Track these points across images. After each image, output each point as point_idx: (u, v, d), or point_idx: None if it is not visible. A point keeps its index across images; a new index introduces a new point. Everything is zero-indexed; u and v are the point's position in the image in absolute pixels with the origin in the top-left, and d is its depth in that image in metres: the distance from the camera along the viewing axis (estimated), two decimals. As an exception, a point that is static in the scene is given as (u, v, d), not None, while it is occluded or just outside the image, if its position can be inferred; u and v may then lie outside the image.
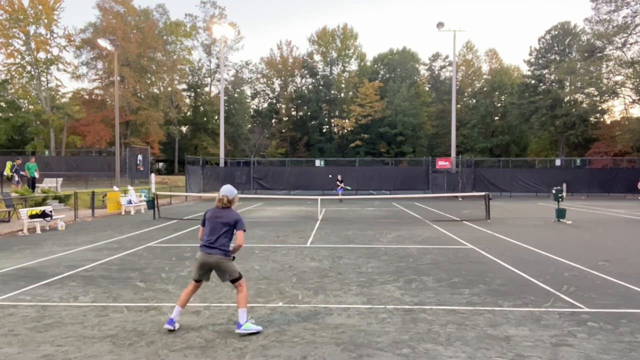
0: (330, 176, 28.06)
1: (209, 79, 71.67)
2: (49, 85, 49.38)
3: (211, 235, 4.99)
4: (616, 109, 58.64)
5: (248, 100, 73.43)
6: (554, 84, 57.23)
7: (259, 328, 4.96)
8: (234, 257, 5.05)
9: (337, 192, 26.98)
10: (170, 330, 4.94)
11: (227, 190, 5.15)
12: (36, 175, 21.11)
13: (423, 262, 8.94)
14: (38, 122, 48.50)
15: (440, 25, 37.12)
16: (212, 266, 5.00)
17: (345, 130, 69.72)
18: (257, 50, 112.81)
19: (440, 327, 5.11)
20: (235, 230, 5.03)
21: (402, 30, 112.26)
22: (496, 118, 69.10)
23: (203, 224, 5.16)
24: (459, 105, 64.90)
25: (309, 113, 72.46)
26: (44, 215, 13.79)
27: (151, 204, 18.96)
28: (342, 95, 72.62)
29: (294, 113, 75.60)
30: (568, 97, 54.35)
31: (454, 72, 39.71)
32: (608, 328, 5.10)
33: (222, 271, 4.98)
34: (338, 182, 27.39)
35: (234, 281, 4.99)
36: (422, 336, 4.84)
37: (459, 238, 12.13)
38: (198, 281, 5.13)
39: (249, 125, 70.19)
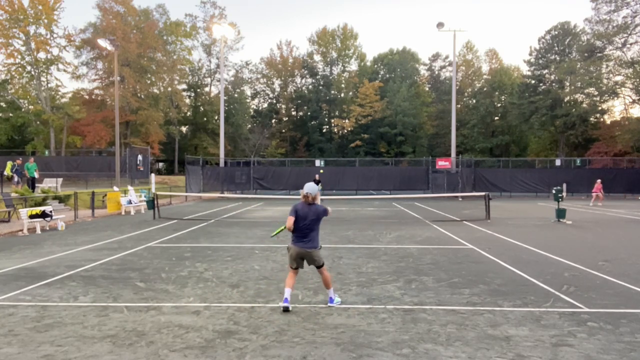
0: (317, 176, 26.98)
1: (209, 79, 71.72)
2: (49, 85, 49.44)
3: (305, 230, 5.78)
4: (616, 109, 58.69)
5: (248, 100, 73.40)
6: (554, 84, 57.23)
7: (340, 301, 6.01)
8: (321, 247, 5.95)
9: None
10: (286, 309, 5.65)
11: (310, 188, 5.87)
12: (36, 175, 21.11)
13: (423, 262, 8.94)
14: (38, 122, 48.49)
15: (440, 25, 37.12)
16: (306, 257, 5.84)
17: (345, 130, 69.72)
18: (257, 50, 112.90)
19: (440, 327, 5.11)
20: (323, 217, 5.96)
21: (402, 30, 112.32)
22: (496, 118, 69.07)
23: (293, 215, 5.80)
24: (459, 105, 64.87)
25: (309, 113, 72.44)
26: (44, 215, 13.79)
27: (151, 204, 18.96)
28: (342, 95, 72.63)
29: (294, 113, 75.58)
30: (568, 97, 54.34)
31: (454, 72, 39.72)
32: (608, 328, 5.10)
33: (314, 260, 5.84)
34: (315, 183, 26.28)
35: (319, 267, 5.89)
36: (422, 336, 4.83)
37: (459, 238, 12.13)
38: (296, 269, 5.92)
39: (249, 125, 70.16)
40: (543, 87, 58.16)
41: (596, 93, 51.71)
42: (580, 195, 32.80)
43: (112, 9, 53.17)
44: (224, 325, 5.20)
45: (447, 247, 10.68)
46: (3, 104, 50.98)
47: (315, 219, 5.80)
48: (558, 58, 56.59)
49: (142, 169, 33.74)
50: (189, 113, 69.32)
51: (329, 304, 5.84)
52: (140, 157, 33.79)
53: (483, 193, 19.03)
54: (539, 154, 60.17)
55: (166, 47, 59.68)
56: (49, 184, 23.75)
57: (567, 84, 54.99)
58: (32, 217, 13.52)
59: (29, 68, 47.28)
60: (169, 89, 60.20)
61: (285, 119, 74.64)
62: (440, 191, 31.55)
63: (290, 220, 5.75)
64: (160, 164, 68.86)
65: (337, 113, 72.29)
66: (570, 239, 12.07)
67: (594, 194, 25.94)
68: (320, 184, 25.92)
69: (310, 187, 5.85)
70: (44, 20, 45.94)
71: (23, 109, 49.63)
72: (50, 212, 14.25)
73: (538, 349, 4.49)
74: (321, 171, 26.71)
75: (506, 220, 16.96)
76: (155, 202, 17.78)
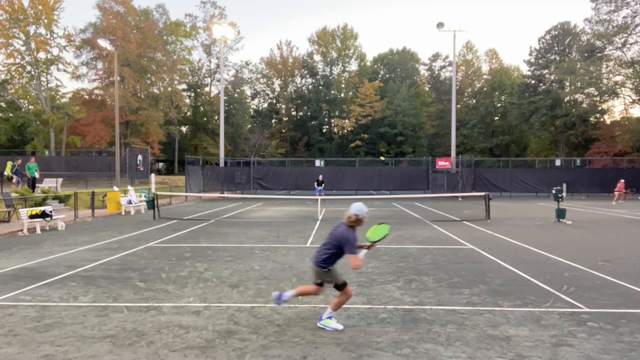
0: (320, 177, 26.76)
1: (209, 79, 71.76)
2: (49, 85, 49.47)
3: (321, 246, 5.10)
4: (616, 109, 58.60)
5: (248, 100, 73.47)
6: (554, 84, 57.23)
7: (340, 327, 5.02)
8: (329, 270, 4.97)
9: (316, 193, 25.24)
10: (276, 301, 5.19)
11: (356, 207, 4.96)
12: (36, 175, 21.10)
13: (423, 262, 8.94)
14: (38, 122, 48.52)
15: (440, 25, 37.13)
16: (313, 270, 5.11)
17: (345, 130, 69.75)
18: (257, 50, 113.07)
19: (440, 327, 5.12)
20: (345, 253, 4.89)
21: (402, 30, 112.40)
22: (496, 118, 69.12)
23: None
24: (459, 105, 64.92)
25: (309, 113, 72.49)
26: (44, 215, 13.78)
27: (151, 204, 18.96)
28: (342, 95, 72.68)
29: (294, 113, 75.62)
30: (568, 97, 54.34)
31: (454, 72, 39.71)
32: (608, 328, 5.10)
33: (325, 281, 5.08)
34: (317, 184, 25.95)
35: (337, 288, 5.03)
36: (422, 336, 4.84)
37: (459, 238, 12.13)
38: (319, 285, 5.17)
39: (249, 125, 70.22)
40: (543, 87, 58.17)
41: (596, 93, 51.69)
42: (580, 195, 32.80)
43: (112, 9, 53.20)
44: (224, 325, 5.21)
45: (447, 247, 10.68)
46: (3, 104, 51.01)
47: (330, 241, 4.94)
48: (558, 58, 56.58)
49: (142, 169, 33.74)
50: (189, 113, 69.35)
51: (318, 323, 5.11)
52: (140, 157, 33.78)
53: (483, 193, 19.02)
54: (539, 154, 60.15)
55: (166, 47, 59.71)
56: (49, 184, 23.74)
57: (567, 84, 54.98)
58: (32, 217, 13.52)
59: (29, 68, 47.29)
60: (169, 89, 60.24)
61: (285, 119, 74.68)
62: (440, 191, 31.54)
63: None
64: (160, 164, 68.88)
65: (337, 113, 72.33)
66: (570, 239, 12.06)
67: (616, 193, 26.49)
68: (323, 184, 25.99)
69: (355, 207, 4.94)
70: (44, 20, 45.95)
71: (23, 109, 49.66)
72: (50, 212, 14.25)
73: (538, 349, 4.49)
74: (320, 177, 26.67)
75: (506, 220, 16.95)
76: (155, 202, 17.77)
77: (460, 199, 28.78)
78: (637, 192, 29.89)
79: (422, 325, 5.20)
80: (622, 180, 27.16)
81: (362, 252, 4.98)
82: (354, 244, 4.83)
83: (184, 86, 68.15)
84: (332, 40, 72.09)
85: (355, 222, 4.92)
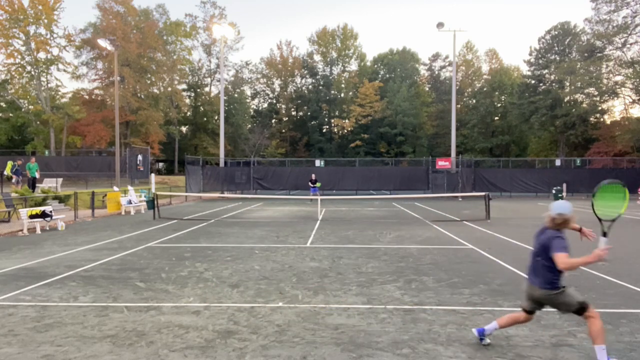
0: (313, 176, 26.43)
1: (209, 79, 71.77)
2: (49, 85, 49.48)
3: (531, 260, 4.25)
4: (616, 109, 58.56)
5: (248, 100, 73.48)
6: (554, 84, 57.20)
7: None
8: (563, 289, 4.07)
9: (311, 192, 25.05)
10: (481, 339, 4.55)
11: (561, 206, 4.08)
12: (37, 175, 21.11)
13: (423, 262, 8.94)
14: (38, 122, 48.54)
15: (440, 25, 37.14)
16: (537, 300, 4.18)
17: (345, 130, 69.76)
18: (257, 50, 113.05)
19: (440, 327, 5.11)
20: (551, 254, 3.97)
21: (402, 30, 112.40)
22: (496, 118, 69.10)
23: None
24: (459, 105, 64.91)
25: (309, 113, 72.50)
26: (44, 215, 13.79)
27: (151, 204, 18.97)
28: (342, 95, 72.68)
29: (294, 113, 75.62)
30: (568, 97, 54.32)
31: (453, 72, 39.71)
32: (608, 328, 5.09)
33: (555, 306, 4.14)
34: (311, 183, 25.74)
35: (577, 312, 4.01)
36: (422, 336, 4.83)
37: (459, 238, 12.13)
38: (529, 312, 4.31)
39: (249, 125, 70.23)
40: (543, 87, 58.13)
41: (596, 93, 51.66)
42: (580, 195, 32.78)
43: (112, 9, 53.23)
44: (224, 325, 5.21)
45: (447, 247, 10.68)
46: (3, 104, 51.03)
47: (539, 249, 4.14)
48: (558, 58, 56.55)
49: (142, 169, 33.74)
50: (189, 113, 69.36)
51: None
52: (140, 157, 33.78)
53: (483, 193, 19.02)
54: (539, 154, 60.12)
55: (166, 47, 59.74)
56: (49, 184, 23.74)
57: (567, 84, 54.95)
58: (32, 217, 13.52)
59: (29, 68, 47.29)
60: (169, 89, 60.25)
61: (285, 119, 74.68)
62: (440, 191, 31.53)
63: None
64: (160, 164, 68.88)
65: (337, 113, 72.34)
66: (570, 239, 12.03)
67: None
68: (317, 183, 25.83)
69: (559, 206, 4.09)
70: (44, 20, 45.96)
71: (23, 109, 49.67)
72: (50, 212, 14.25)
73: (538, 349, 4.49)
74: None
75: (506, 220, 16.95)
76: (155, 202, 17.78)
77: (460, 199, 28.78)
78: None
79: (422, 325, 5.20)
80: None
81: (603, 241, 4.11)
82: (564, 243, 3.99)
83: (184, 86, 68.21)
84: (332, 40, 72.09)
85: (563, 224, 4.07)
